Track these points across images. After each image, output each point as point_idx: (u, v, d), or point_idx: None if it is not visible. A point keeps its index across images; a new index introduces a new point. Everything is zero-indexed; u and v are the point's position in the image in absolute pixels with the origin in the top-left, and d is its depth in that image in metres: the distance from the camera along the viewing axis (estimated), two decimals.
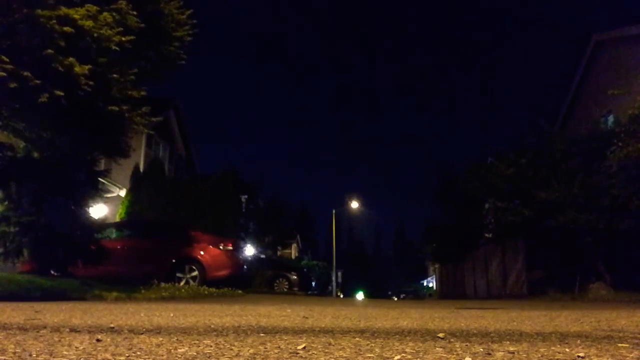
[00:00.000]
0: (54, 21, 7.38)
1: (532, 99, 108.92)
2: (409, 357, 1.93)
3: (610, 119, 16.56)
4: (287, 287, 17.75)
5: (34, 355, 1.86)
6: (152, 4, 9.53)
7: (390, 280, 71.90)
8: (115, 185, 15.37)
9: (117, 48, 8.09)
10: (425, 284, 60.35)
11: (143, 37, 8.94)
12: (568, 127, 19.65)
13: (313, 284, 19.49)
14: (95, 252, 9.99)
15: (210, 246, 11.45)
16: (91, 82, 7.69)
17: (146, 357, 1.86)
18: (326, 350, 2.06)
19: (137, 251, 11.45)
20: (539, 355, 1.98)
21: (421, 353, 2.02)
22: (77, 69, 7.54)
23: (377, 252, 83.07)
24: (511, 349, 2.17)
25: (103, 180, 12.00)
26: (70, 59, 7.50)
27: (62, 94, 7.42)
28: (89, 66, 7.67)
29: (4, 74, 6.95)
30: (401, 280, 70.62)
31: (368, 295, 51.77)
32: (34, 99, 7.35)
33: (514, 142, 17.41)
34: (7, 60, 7.06)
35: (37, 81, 7.23)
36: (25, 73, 7.17)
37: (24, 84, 7.18)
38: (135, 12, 8.50)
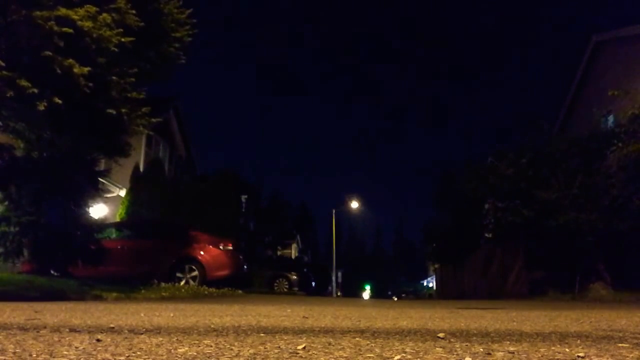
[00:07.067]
0: (53, 22, 7.37)
1: (532, 99, 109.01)
2: (409, 357, 1.92)
3: (610, 119, 16.56)
4: (287, 287, 17.73)
5: (34, 355, 1.86)
6: (152, 4, 9.53)
7: (390, 280, 71.94)
8: (115, 185, 15.35)
9: (116, 49, 8.08)
10: (425, 284, 60.39)
11: (143, 37, 8.94)
12: (568, 127, 19.64)
13: (313, 284, 19.46)
14: (95, 252, 9.99)
15: (210, 246, 11.45)
16: (90, 84, 7.66)
17: (146, 357, 1.86)
18: (326, 350, 2.06)
19: (137, 251, 11.45)
20: (539, 355, 1.98)
21: (421, 353, 2.02)
22: (77, 69, 7.52)
23: (377, 252, 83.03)
24: (511, 349, 2.17)
25: (103, 180, 11.99)
26: (70, 60, 7.48)
27: (60, 102, 7.38)
28: (89, 68, 7.65)
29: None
30: (401, 280, 70.71)
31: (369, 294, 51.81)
32: (32, 106, 7.29)
33: (514, 142, 17.40)
34: (3, 64, 7.00)
35: (35, 90, 7.14)
36: (23, 82, 7.09)
37: (21, 92, 7.11)
38: (134, 12, 8.49)
